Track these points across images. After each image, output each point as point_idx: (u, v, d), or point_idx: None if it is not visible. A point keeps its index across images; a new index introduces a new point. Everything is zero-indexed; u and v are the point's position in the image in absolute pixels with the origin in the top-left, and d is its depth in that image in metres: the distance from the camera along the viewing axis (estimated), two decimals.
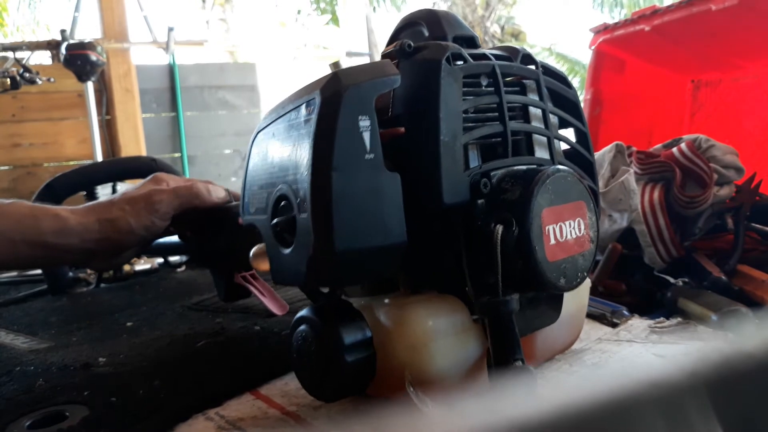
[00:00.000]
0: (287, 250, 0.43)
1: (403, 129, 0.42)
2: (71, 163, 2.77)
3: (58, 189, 0.96)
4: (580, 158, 0.53)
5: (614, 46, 1.28)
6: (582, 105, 0.53)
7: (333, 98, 0.39)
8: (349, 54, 3.72)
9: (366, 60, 3.56)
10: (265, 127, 0.47)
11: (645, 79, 1.34)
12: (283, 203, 0.43)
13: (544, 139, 0.49)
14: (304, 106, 0.41)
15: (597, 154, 0.89)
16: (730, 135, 1.16)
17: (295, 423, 0.45)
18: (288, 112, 0.43)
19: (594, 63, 1.30)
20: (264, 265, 0.47)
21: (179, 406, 0.47)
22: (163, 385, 0.51)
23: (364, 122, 0.39)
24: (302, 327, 0.43)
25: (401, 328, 0.42)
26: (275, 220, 0.43)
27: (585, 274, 0.43)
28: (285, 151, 0.43)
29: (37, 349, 0.64)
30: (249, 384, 0.52)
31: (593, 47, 1.29)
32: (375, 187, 0.40)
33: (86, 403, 0.48)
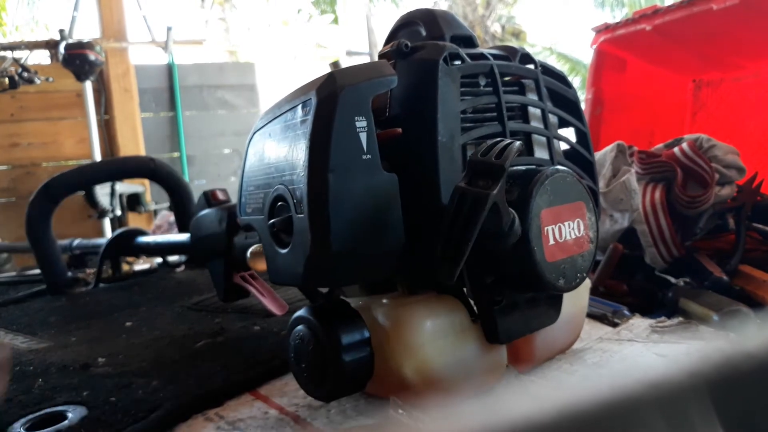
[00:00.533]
0: (284, 251, 0.43)
1: (400, 130, 0.42)
2: (70, 162, 2.76)
3: (56, 189, 0.96)
4: (580, 158, 0.53)
5: (615, 46, 1.27)
6: (583, 105, 0.53)
7: (329, 99, 0.39)
8: (349, 53, 3.72)
9: (366, 59, 3.55)
10: (262, 127, 0.47)
11: (646, 79, 1.33)
12: (279, 204, 0.43)
13: (544, 139, 0.49)
14: (300, 107, 0.41)
15: (598, 154, 0.89)
16: (732, 135, 1.16)
17: (295, 423, 0.45)
18: (284, 112, 0.43)
19: (595, 62, 1.30)
20: (261, 265, 0.46)
21: (178, 406, 0.47)
22: (162, 385, 0.51)
23: (361, 123, 0.39)
24: (300, 327, 0.43)
25: (399, 329, 0.42)
26: (272, 221, 0.43)
27: (584, 274, 0.43)
28: (281, 152, 0.43)
29: (36, 349, 0.64)
30: (248, 384, 0.51)
31: (594, 47, 1.29)
32: (372, 187, 0.40)
33: (85, 404, 0.48)
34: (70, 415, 0.46)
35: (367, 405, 0.46)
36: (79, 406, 0.48)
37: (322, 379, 0.42)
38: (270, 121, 0.45)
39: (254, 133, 0.48)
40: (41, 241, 0.96)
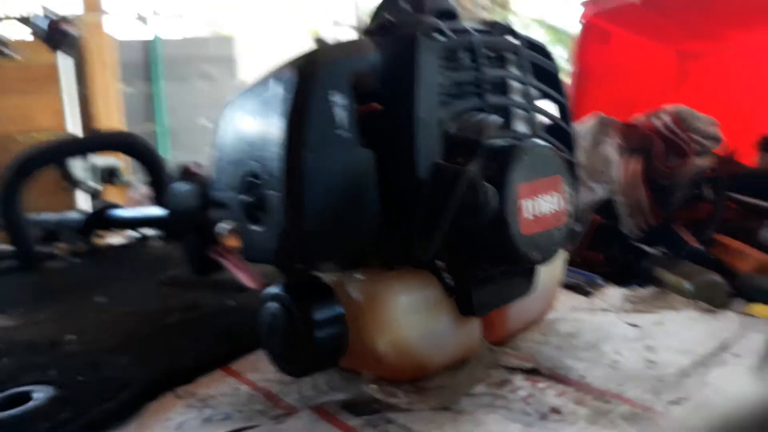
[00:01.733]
0: (257, 228, 0.42)
1: (378, 105, 0.41)
2: (46, 135, 2.70)
3: (29, 162, 0.94)
4: (560, 131, 0.52)
5: (603, 19, 1.26)
6: (569, 77, 0.52)
7: (306, 75, 0.38)
8: (335, 24, 3.65)
9: (352, 32, 3.49)
10: (237, 102, 0.45)
11: (631, 51, 1.32)
12: (253, 180, 0.42)
13: (523, 112, 0.48)
14: (277, 83, 0.40)
15: (579, 126, 0.88)
16: (717, 106, 1.15)
17: (266, 399, 0.44)
18: (260, 87, 0.42)
19: (581, 35, 1.28)
20: (233, 241, 0.46)
21: (148, 384, 0.46)
22: (132, 362, 0.50)
23: (338, 99, 0.38)
24: (272, 304, 0.42)
25: (373, 304, 0.41)
26: (245, 197, 0.42)
27: (560, 247, 0.43)
28: (256, 128, 0.42)
29: (4, 327, 0.63)
30: (220, 360, 0.51)
31: (583, 20, 1.27)
32: (347, 163, 0.39)
33: (53, 383, 0.47)
34: (36, 395, 0.45)
35: (340, 380, 0.46)
36: (47, 386, 0.47)
37: (294, 356, 0.42)
38: (245, 96, 0.44)
39: (228, 107, 0.46)
40: (12, 216, 0.94)
